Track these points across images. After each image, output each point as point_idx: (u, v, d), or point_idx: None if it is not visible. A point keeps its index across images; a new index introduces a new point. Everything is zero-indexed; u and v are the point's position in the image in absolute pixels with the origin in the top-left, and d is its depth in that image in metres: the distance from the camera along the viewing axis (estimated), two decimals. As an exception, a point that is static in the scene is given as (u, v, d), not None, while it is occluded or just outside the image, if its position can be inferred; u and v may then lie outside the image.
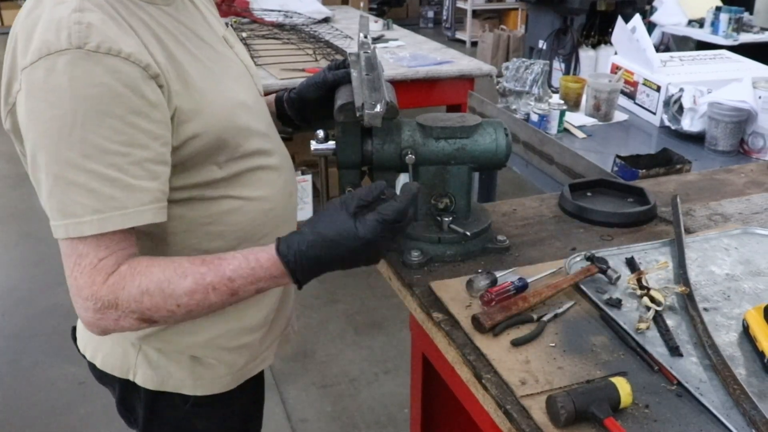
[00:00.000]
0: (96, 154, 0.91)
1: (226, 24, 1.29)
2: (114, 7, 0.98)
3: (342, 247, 0.98)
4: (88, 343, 1.26)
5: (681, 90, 2.57)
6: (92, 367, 1.26)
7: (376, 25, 4.49)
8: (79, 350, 1.29)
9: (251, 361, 1.28)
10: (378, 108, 1.10)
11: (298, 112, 1.39)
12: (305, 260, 0.99)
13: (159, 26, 1.04)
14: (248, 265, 0.99)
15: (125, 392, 1.24)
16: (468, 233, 1.33)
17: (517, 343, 1.09)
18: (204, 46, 1.12)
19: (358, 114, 1.12)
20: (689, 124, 2.50)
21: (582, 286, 1.23)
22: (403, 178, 1.38)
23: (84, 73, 0.90)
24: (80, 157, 0.91)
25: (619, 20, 3.08)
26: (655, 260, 1.34)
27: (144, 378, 1.20)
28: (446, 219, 1.32)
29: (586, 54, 5.61)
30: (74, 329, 1.32)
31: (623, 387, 0.95)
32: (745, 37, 5.25)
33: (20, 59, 0.94)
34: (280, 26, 4.24)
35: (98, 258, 0.95)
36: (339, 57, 3.40)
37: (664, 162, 2.15)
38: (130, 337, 1.18)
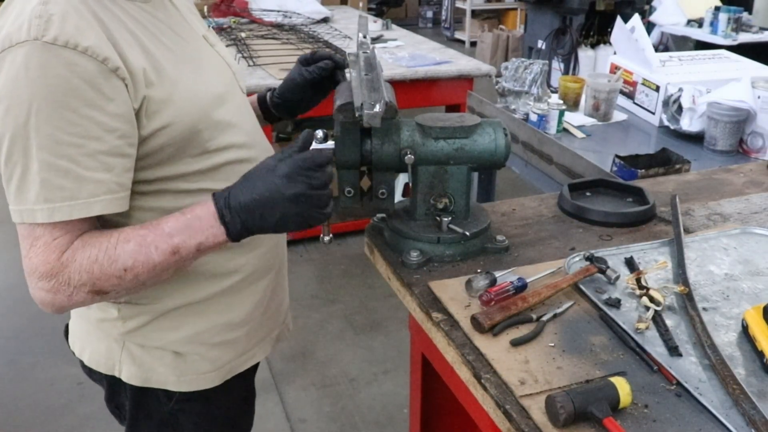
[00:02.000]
0: (49, 145, 0.94)
1: (208, 26, 1.31)
2: (85, 2, 0.99)
3: (266, 194, 1.02)
4: (77, 340, 1.27)
5: (680, 90, 2.57)
6: (82, 363, 1.27)
7: (375, 25, 4.49)
8: (69, 346, 1.30)
9: (237, 357, 1.28)
10: (377, 108, 1.10)
11: (286, 111, 1.44)
12: (235, 205, 1.02)
13: (133, 21, 1.06)
14: (185, 219, 1.02)
15: (113, 388, 1.26)
16: (467, 233, 1.32)
17: (516, 343, 1.09)
18: (181, 41, 1.14)
19: (357, 114, 1.12)
20: (688, 123, 2.50)
21: (581, 286, 1.23)
22: (402, 178, 1.38)
23: (39, 65, 0.92)
24: (34, 148, 0.94)
25: (618, 20, 3.08)
26: (654, 260, 1.34)
27: (129, 374, 1.21)
28: (445, 219, 1.32)
29: (585, 54, 5.61)
30: (67, 327, 1.33)
31: (622, 387, 0.95)
32: (744, 37, 5.26)
33: None
34: (278, 26, 4.24)
35: (53, 237, 0.98)
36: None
37: (663, 162, 2.16)
38: (114, 333, 1.19)
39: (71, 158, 0.95)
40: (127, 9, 1.06)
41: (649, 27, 5.54)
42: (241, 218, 1.02)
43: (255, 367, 1.38)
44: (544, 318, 1.15)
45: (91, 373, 1.26)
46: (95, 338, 1.22)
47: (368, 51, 1.28)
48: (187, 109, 1.07)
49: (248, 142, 1.21)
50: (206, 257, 1.13)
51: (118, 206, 1.02)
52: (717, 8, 5.32)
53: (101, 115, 0.96)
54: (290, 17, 4.34)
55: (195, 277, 1.17)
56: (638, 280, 1.22)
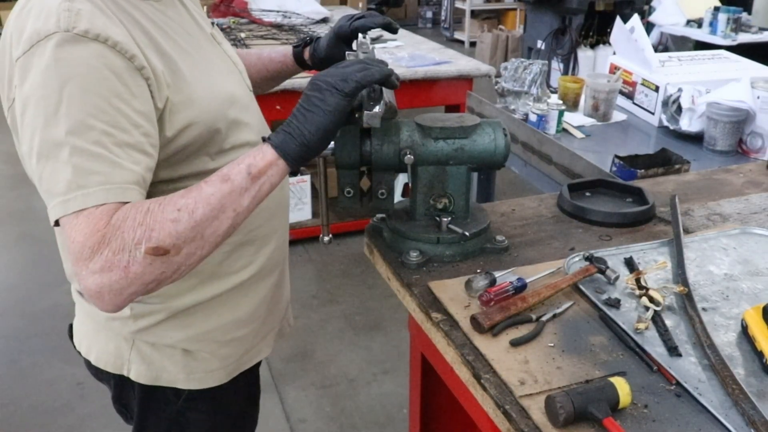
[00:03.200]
0: (81, 130, 0.92)
1: (212, 23, 1.31)
2: (104, 1, 1.00)
3: (309, 91, 1.02)
4: (83, 339, 1.26)
5: (679, 90, 2.57)
6: (88, 363, 1.26)
7: (374, 26, 4.48)
8: (75, 347, 1.29)
9: (244, 354, 1.29)
10: (377, 109, 1.10)
11: (321, 66, 1.43)
12: (278, 128, 1.01)
13: (149, 21, 1.06)
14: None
15: (120, 388, 1.25)
16: (467, 233, 1.33)
17: (515, 343, 1.09)
18: (193, 41, 1.14)
19: (356, 115, 1.12)
20: (688, 124, 2.50)
21: (581, 286, 1.23)
22: (402, 179, 1.38)
23: (69, 53, 0.92)
24: (65, 133, 0.91)
25: (618, 20, 3.08)
26: (653, 260, 1.34)
27: (138, 373, 1.20)
28: (445, 219, 1.33)
29: (584, 54, 5.61)
30: (71, 327, 1.32)
31: (622, 387, 0.95)
32: (744, 37, 5.26)
33: (14, 51, 0.96)
34: (278, 27, 4.24)
35: (95, 207, 0.92)
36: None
37: (662, 162, 2.16)
38: (124, 332, 1.18)
39: (103, 144, 0.93)
40: (141, 8, 1.06)
41: (649, 27, 5.55)
42: (289, 129, 1.01)
43: (259, 364, 1.38)
44: (544, 318, 1.15)
45: (97, 372, 1.26)
46: (103, 337, 1.21)
47: (368, 51, 1.28)
48: (206, 108, 1.08)
49: (255, 141, 1.21)
50: (215, 257, 1.12)
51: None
52: (716, 8, 5.32)
53: (128, 108, 0.96)
54: (290, 17, 4.34)
55: (206, 275, 1.18)
56: (638, 281, 1.22)
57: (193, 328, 1.20)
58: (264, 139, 1.02)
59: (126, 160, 0.95)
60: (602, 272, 1.25)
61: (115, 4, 1.01)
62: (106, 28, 0.95)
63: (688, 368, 1.05)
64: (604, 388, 0.96)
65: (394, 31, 1.39)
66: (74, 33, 0.92)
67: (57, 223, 0.95)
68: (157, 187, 1.05)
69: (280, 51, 1.49)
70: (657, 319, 1.15)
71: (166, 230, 0.92)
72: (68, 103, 0.91)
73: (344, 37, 1.38)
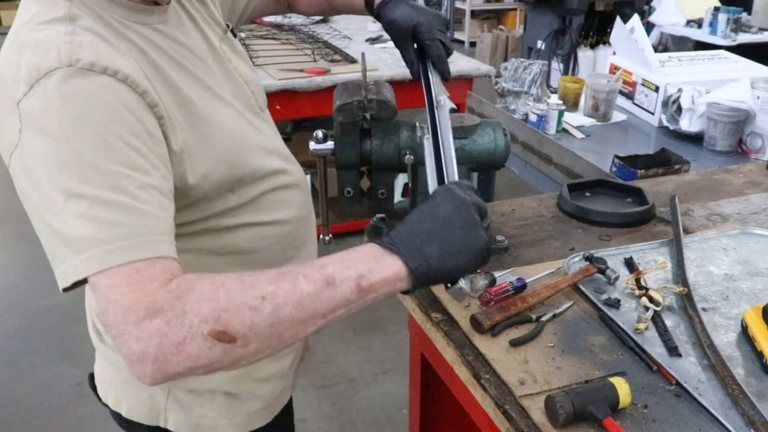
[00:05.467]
0: (96, 178, 0.79)
1: (227, 27, 1.17)
2: (102, 28, 0.89)
3: (433, 211, 0.86)
4: (109, 390, 1.14)
5: (679, 90, 2.57)
6: (117, 416, 1.14)
7: (374, 26, 4.49)
8: (100, 399, 1.17)
9: (282, 390, 1.22)
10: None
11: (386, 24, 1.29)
12: (398, 234, 0.85)
13: (156, 50, 0.95)
14: (338, 254, 0.84)
15: None
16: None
17: (515, 344, 1.09)
18: (203, 66, 1.03)
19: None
20: (688, 124, 2.50)
21: (581, 287, 1.23)
22: (402, 179, 1.38)
23: (76, 90, 0.81)
24: (78, 184, 0.78)
25: (618, 20, 3.08)
26: (653, 260, 1.34)
27: (176, 422, 1.11)
28: (445, 219, 1.32)
29: (584, 54, 5.60)
30: (91, 377, 1.20)
31: (622, 387, 0.95)
32: (744, 38, 5.26)
33: (12, 92, 0.83)
34: (278, 26, 4.24)
35: (136, 270, 0.78)
36: (337, 57, 3.41)
37: (662, 162, 2.16)
38: None
39: (123, 189, 0.79)
40: (146, 35, 0.95)
41: (649, 27, 5.54)
42: (416, 244, 0.84)
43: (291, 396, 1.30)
44: (544, 318, 1.15)
45: (129, 426, 1.14)
46: (134, 386, 1.09)
47: (443, 117, 1.12)
48: (224, 146, 0.97)
49: (285, 167, 1.13)
50: None
51: (174, 250, 0.83)
52: (716, 9, 5.32)
53: (146, 148, 0.84)
54: (290, 17, 4.33)
55: None
56: (638, 281, 1.22)
57: None
58: (390, 246, 0.84)
59: (151, 205, 0.81)
60: (602, 272, 1.25)
61: (117, 33, 0.91)
62: (113, 59, 0.85)
63: (688, 368, 1.05)
64: (603, 388, 0.96)
65: (444, 78, 1.25)
66: (79, 67, 0.81)
67: (68, 288, 0.81)
68: (176, 230, 0.90)
69: None
70: (657, 319, 1.15)
71: (240, 316, 0.76)
72: (79, 146, 0.79)
73: (413, 39, 1.24)
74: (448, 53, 1.23)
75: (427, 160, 1.07)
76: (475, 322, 1.12)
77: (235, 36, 1.19)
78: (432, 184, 1.01)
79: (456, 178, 1.01)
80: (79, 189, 0.78)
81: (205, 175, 0.95)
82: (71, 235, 0.78)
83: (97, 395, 1.17)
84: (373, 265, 0.82)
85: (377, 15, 1.28)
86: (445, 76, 1.22)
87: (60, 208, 0.79)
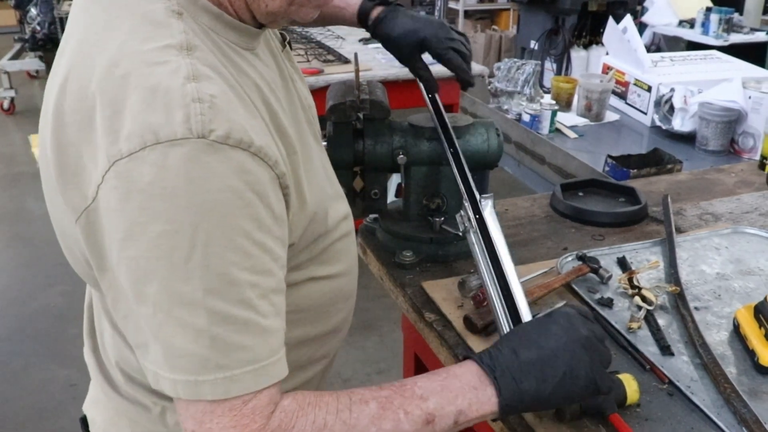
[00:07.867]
0: (223, 289, 0.69)
1: (284, 40, 0.98)
2: (222, 62, 0.75)
3: (545, 342, 0.84)
4: None
5: (672, 90, 2.58)
6: None
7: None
8: None
9: None
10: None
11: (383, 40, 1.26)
12: (503, 360, 0.82)
13: (263, 81, 0.80)
14: (439, 379, 0.82)
15: None
16: (460, 233, 1.32)
17: (509, 343, 1.09)
18: (283, 92, 0.88)
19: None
20: (680, 124, 2.51)
21: (573, 286, 1.24)
22: (395, 179, 1.38)
23: (207, 173, 0.66)
24: (201, 292, 0.68)
25: (610, 20, 3.09)
26: (646, 260, 1.34)
27: None
28: (438, 219, 1.33)
29: (577, 54, 5.62)
30: (83, 421, 1.03)
31: (630, 384, 0.95)
32: (735, 38, 5.27)
33: (104, 139, 0.68)
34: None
35: (243, 402, 0.71)
36: (330, 57, 3.41)
37: (655, 162, 2.16)
38: (170, 424, 0.90)
39: (249, 303, 0.70)
40: (254, 64, 0.80)
41: (641, 27, 5.55)
42: (515, 376, 0.81)
43: None
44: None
45: None
46: (139, 428, 0.94)
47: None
48: (317, 202, 0.85)
49: (349, 212, 1.00)
50: (303, 349, 0.93)
51: (286, 370, 0.76)
52: (708, 9, 5.34)
53: (270, 240, 0.73)
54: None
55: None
56: (630, 280, 1.23)
57: None
58: (490, 373, 0.81)
59: (271, 316, 0.73)
60: (595, 272, 1.26)
61: (236, 67, 0.77)
62: (246, 124, 0.70)
63: (681, 367, 1.05)
64: (612, 384, 0.95)
65: (463, 87, 1.26)
66: (211, 140, 0.66)
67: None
68: None
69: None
70: (649, 319, 1.15)
71: None
72: (206, 248, 0.67)
73: (425, 49, 1.22)
74: (466, 58, 1.22)
75: (476, 255, 1.06)
76: (468, 322, 1.12)
77: (291, 48, 1.02)
78: (503, 325, 0.97)
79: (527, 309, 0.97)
80: (198, 297, 0.68)
81: (301, 235, 0.83)
82: (180, 349, 0.69)
83: None
84: (473, 400, 0.80)
85: (373, 33, 1.25)
86: (464, 86, 1.22)
87: (168, 309, 0.69)
